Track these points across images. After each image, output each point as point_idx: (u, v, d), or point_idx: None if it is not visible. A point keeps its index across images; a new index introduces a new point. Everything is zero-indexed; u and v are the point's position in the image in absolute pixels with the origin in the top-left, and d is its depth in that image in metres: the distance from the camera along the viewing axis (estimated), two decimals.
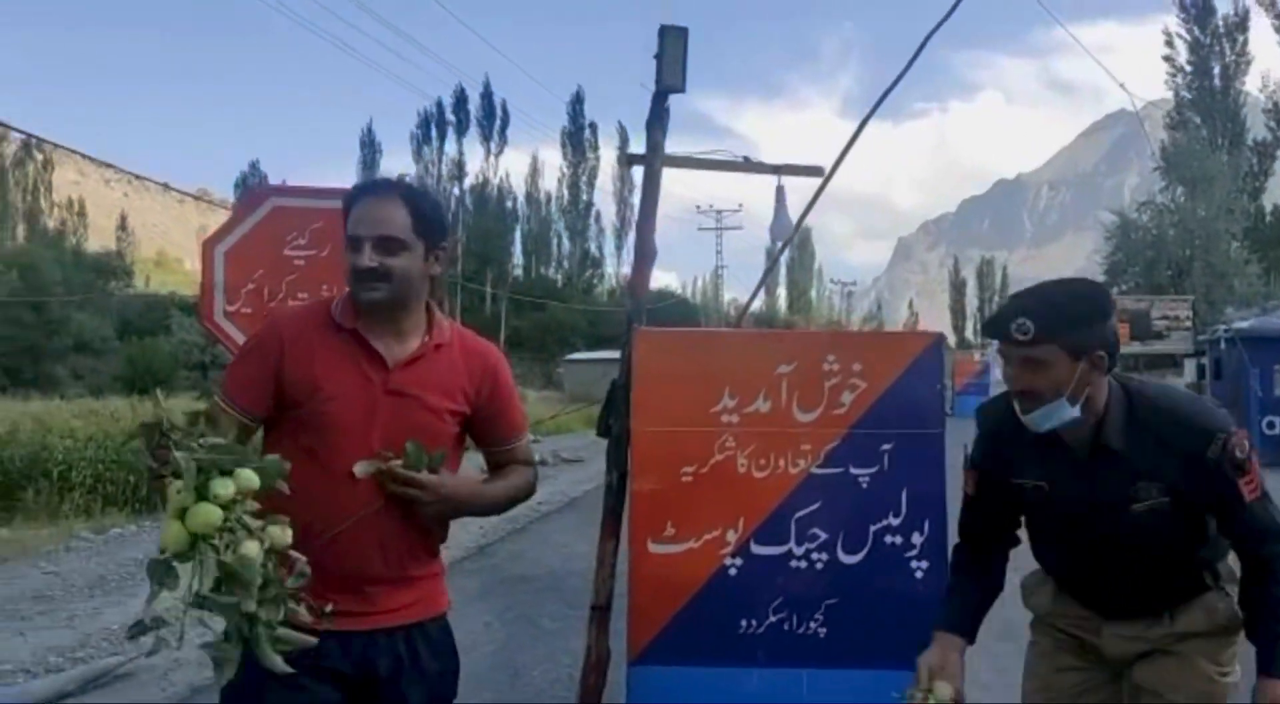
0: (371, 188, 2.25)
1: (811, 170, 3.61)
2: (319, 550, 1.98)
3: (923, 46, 3.86)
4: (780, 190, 3.59)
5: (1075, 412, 2.21)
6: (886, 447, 3.21)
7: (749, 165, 3.55)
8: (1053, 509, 2.39)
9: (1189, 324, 35.68)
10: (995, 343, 2.41)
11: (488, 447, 2.44)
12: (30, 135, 57.93)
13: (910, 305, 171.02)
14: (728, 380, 3.25)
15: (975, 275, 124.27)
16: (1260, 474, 2.27)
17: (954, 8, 4.11)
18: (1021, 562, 2.66)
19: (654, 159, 3.43)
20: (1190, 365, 36.20)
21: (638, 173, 3.55)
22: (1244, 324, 22.32)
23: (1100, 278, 46.04)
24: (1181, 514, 2.27)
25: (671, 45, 3.34)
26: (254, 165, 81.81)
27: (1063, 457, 2.34)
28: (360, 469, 2.08)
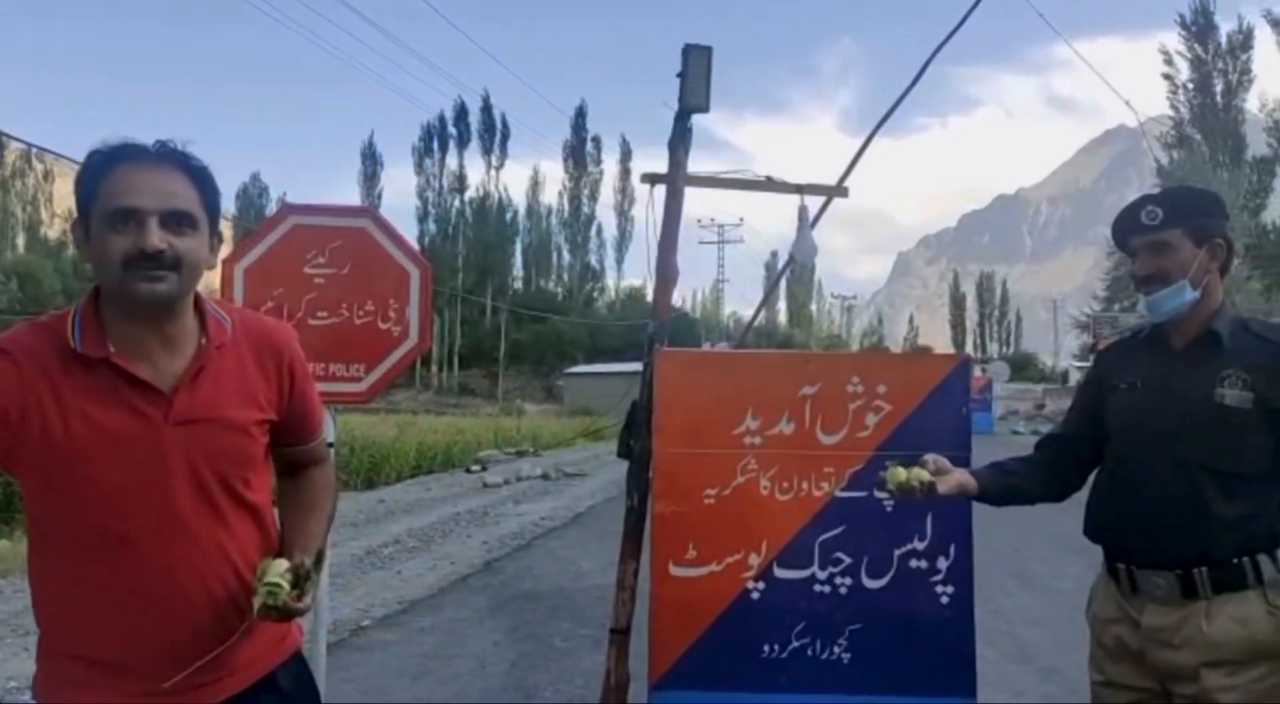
0: (137, 151, 1.67)
1: (835, 190, 3.58)
2: (145, 629, 1.71)
3: (927, 64, 3.84)
4: (803, 210, 3.55)
5: (1196, 294, 2.37)
6: None
7: (771, 185, 3.52)
8: (1138, 403, 2.47)
9: None
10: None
11: (286, 448, 1.98)
12: (30, 145, 57.98)
13: (910, 320, 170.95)
14: (750, 401, 3.22)
15: (975, 290, 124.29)
16: None
17: (958, 26, 4.10)
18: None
19: (676, 178, 3.41)
20: None
21: (639, 186, 3.53)
22: None
23: (1102, 294, 46.21)
24: (1258, 420, 2.29)
25: (695, 64, 3.32)
26: (255, 177, 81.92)
27: (1161, 356, 2.47)
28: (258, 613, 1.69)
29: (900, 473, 2.48)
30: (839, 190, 3.62)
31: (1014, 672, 5.74)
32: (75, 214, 1.70)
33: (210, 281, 1.99)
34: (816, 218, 3.77)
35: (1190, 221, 2.38)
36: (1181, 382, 2.40)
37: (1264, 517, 2.32)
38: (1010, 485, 2.66)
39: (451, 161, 71.49)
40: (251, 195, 79.54)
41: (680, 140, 3.41)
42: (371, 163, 72.85)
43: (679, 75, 3.37)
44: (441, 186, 71.44)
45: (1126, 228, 2.47)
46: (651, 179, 3.49)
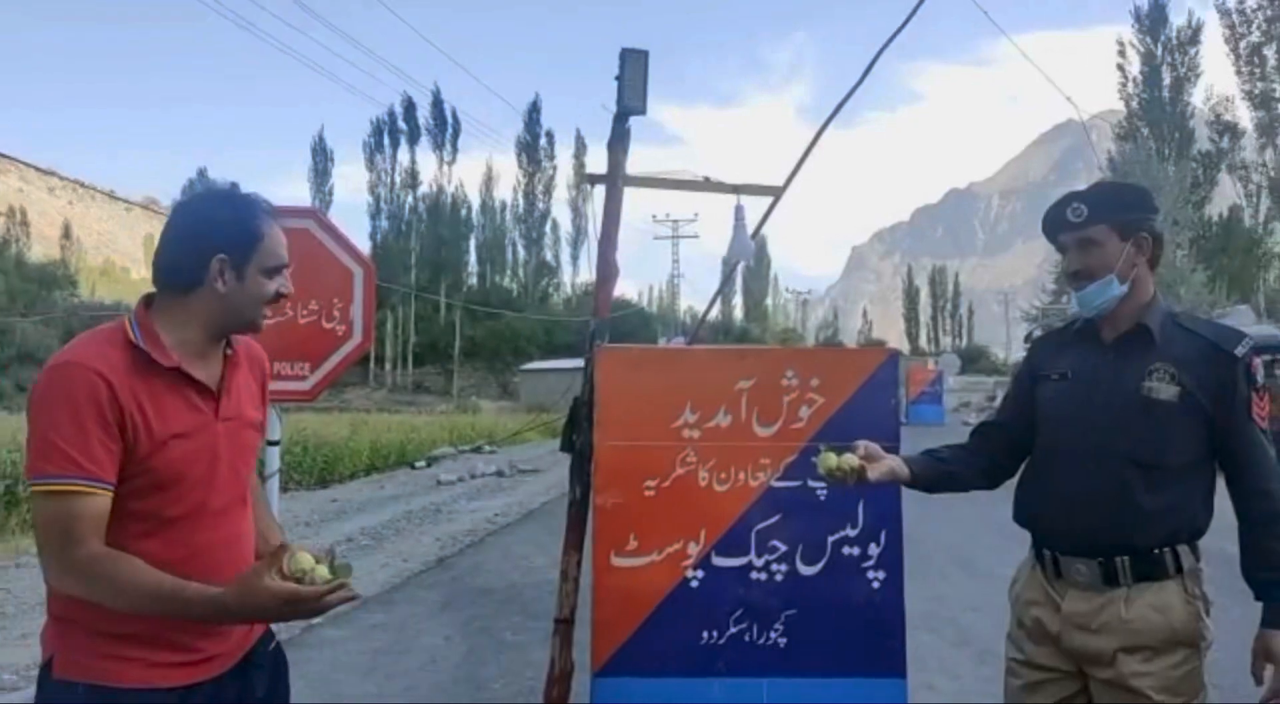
0: (271, 211, 2.06)
1: (770, 190, 3.68)
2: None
3: (875, 59, 3.92)
4: (739, 210, 3.64)
5: (1123, 289, 2.45)
6: None
7: (708, 185, 3.61)
8: (1067, 395, 2.55)
9: None
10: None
11: None
12: None
13: (864, 314, 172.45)
14: (689, 395, 3.32)
15: (928, 283, 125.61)
16: (1271, 413, 2.44)
17: (906, 21, 4.20)
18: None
19: (615, 179, 3.49)
20: None
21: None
22: None
23: (1052, 287, 46.95)
24: (1184, 413, 2.37)
25: (632, 68, 3.41)
26: (202, 172, 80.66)
27: (1092, 349, 2.55)
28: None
29: (831, 458, 2.55)
30: (773, 190, 3.72)
31: (953, 656, 5.90)
32: (222, 252, 1.95)
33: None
34: (763, 220, 3.86)
35: (1115, 217, 2.46)
36: (1110, 374, 2.48)
37: (1187, 508, 2.41)
38: (942, 472, 2.73)
39: (403, 157, 70.95)
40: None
41: (619, 142, 3.50)
42: (322, 158, 72.02)
43: (617, 78, 3.45)
44: (393, 182, 70.88)
45: (1055, 225, 2.55)
46: (592, 179, 3.57)
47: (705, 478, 3.30)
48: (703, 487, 3.30)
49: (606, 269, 3.47)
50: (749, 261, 3.68)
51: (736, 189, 3.64)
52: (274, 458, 3.76)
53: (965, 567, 8.63)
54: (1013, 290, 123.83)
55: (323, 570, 1.79)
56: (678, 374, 3.37)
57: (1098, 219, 2.46)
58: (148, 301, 2.00)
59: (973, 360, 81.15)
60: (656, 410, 3.33)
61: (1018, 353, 79.07)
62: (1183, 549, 2.41)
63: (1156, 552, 2.39)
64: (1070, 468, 2.49)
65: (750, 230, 3.78)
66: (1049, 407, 2.60)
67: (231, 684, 2.02)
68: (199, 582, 1.82)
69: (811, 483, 3.28)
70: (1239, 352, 2.38)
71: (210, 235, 1.95)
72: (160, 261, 1.99)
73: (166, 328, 1.95)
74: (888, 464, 2.61)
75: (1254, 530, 2.38)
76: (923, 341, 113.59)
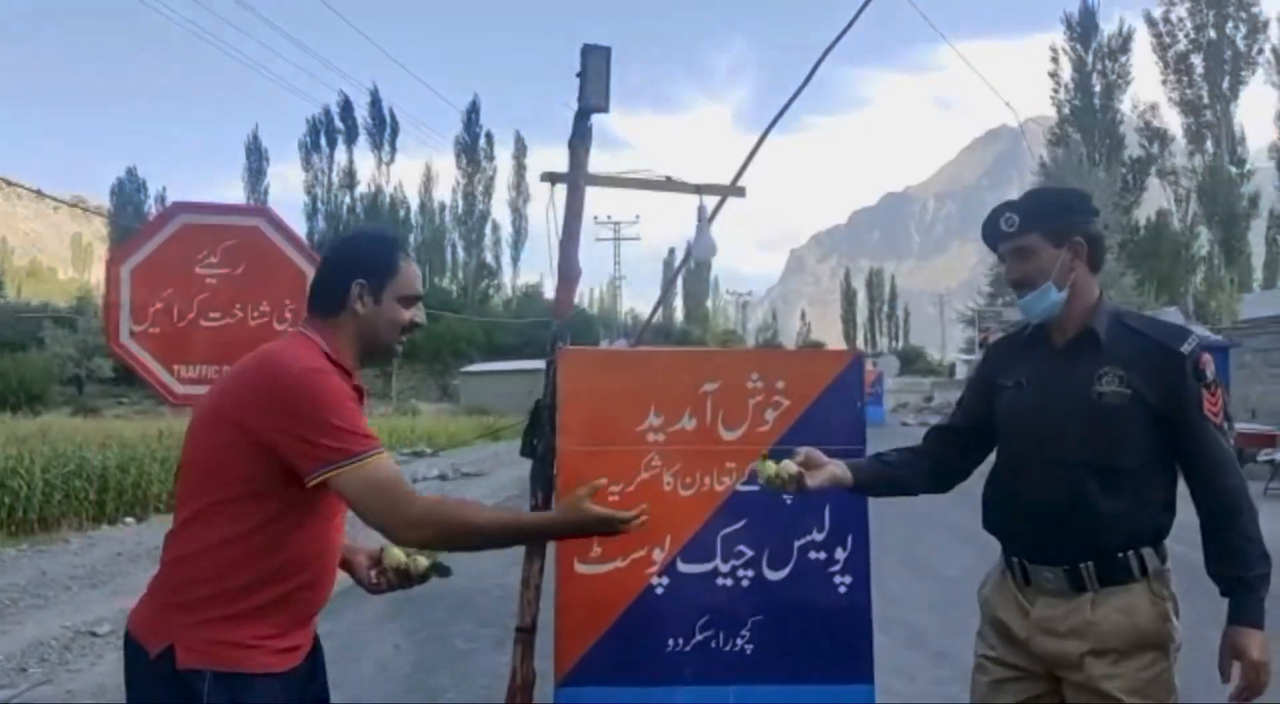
0: (408, 248, 2.40)
1: (733, 190, 3.64)
2: (311, 590, 2.16)
3: (818, 65, 3.91)
4: (703, 209, 3.60)
5: (1062, 296, 2.47)
6: None
7: (671, 185, 3.56)
8: (1023, 403, 2.56)
9: None
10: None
11: None
12: None
13: (803, 315, 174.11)
14: (653, 399, 3.26)
15: (865, 286, 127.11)
16: (1225, 409, 2.41)
17: (848, 26, 4.19)
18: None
19: (577, 177, 3.42)
20: None
21: (535, 183, 3.54)
22: None
23: (987, 289, 47.83)
24: (1137, 414, 2.37)
25: (594, 65, 3.34)
26: (131, 171, 78.96)
27: (1045, 355, 2.56)
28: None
29: (770, 467, 2.55)
30: (736, 190, 3.68)
31: (907, 656, 5.92)
32: (361, 278, 2.23)
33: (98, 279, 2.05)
34: (712, 217, 3.82)
35: (1047, 225, 2.46)
36: (1062, 380, 2.47)
37: (1146, 510, 2.41)
38: (888, 477, 2.75)
39: (340, 157, 70.03)
40: (128, 191, 76.63)
41: (580, 139, 3.42)
42: (257, 158, 70.89)
43: (578, 75, 3.38)
44: (330, 182, 69.97)
45: (991, 235, 2.56)
46: (552, 178, 3.50)
47: (670, 482, 3.25)
48: (667, 491, 3.24)
49: (569, 269, 3.40)
50: (711, 259, 3.64)
51: (699, 189, 3.60)
52: None
53: (914, 568, 8.69)
54: (948, 292, 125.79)
55: (420, 560, 2.44)
56: (642, 377, 3.31)
57: (1029, 228, 2.47)
58: (303, 324, 2.26)
59: (909, 362, 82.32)
60: (620, 414, 3.26)
61: (953, 354, 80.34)
62: (1146, 552, 2.41)
63: (1120, 555, 2.40)
64: (1030, 476, 2.50)
65: (697, 234, 3.75)
66: (1006, 416, 2.61)
67: (305, 670, 2.22)
68: (318, 577, 2.15)
69: (741, 487, 3.24)
70: (1185, 349, 2.37)
71: (354, 263, 2.24)
72: (313, 287, 2.28)
73: (344, 346, 2.24)
74: (829, 470, 2.63)
75: (1217, 527, 2.38)
76: (860, 343, 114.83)
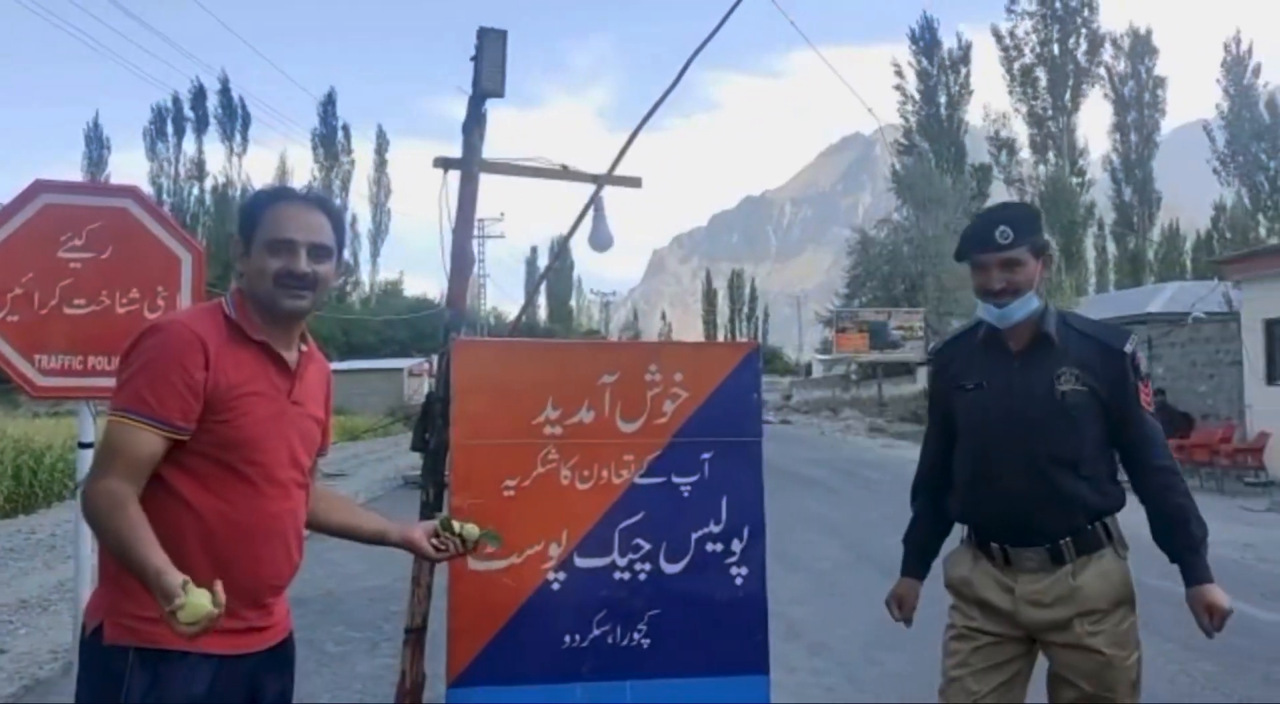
0: (290, 194, 2.23)
1: (631, 181, 3.60)
2: (240, 563, 2.06)
3: (687, 65, 3.91)
4: (599, 200, 3.55)
5: (1039, 303, 2.72)
6: (707, 455, 3.24)
7: (568, 174, 3.50)
8: (986, 404, 2.79)
9: (922, 334, 38.57)
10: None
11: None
12: None
13: (664, 316, 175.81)
14: (551, 391, 3.19)
15: (726, 288, 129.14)
16: (1151, 398, 2.74)
17: (718, 27, 4.22)
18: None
19: (471, 163, 3.33)
20: (922, 372, 39.15)
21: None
22: None
23: (843, 290, 49.19)
24: (1093, 408, 2.67)
25: (490, 48, 3.26)
26: None
27: (1001, 358, 2.79)
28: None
29: (454, 525, 2.66)
30: (632, 181, 3.65)
31: (786, 649, 6.00)
32: (239, 233, 2.19)
33: None
34: (584, 209, 3.76)
35: (1032, 238, 2.71)
36: (1023, 381, 2.72)
37: (1105, 487, 2.72)
38: (935, 545, 3.09)
39: (189, 147, 67.08)
40: None
41: (475, 125, 3.34)
42: (97, 146, 67.07)
43: (473, 59, 3.29)
44: (177, 173, 66.93)
45: (981, 244, 2.73)
46: (445, 163, 3.39)
47: (567, 476, 3.18)
48: (564, 485, 3.18)
49: (462, 258, 3.30)
50: (607, 250, 3.60)
51: (595, 178, 3.55)
52: (86, 461, 3.37)
53: (784, 561, 8.83)
54: (804, 294, 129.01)
55: (472, 528, 2.58)
56: (539, 369, 3.24)
57: (1021, 241, 2.68)
58: (240, 288, 2.20)
59: (768, 361, 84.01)
60: (516, 406, 3.18)
61: (809, 353, 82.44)
62: (1109, 521, 2.74)
63: (1090, 528, 2.71)
64: (1001, 471, 2.74)
65: (569, 231, 3.70)
66: (968, 415, 2.85)
67: (266, 664, 2.17)
68: (249, 552, 2.05)
69: (675, 479, 3.22)
70: (1128, 349, 2.69)
71: (238, 223, 2.21)
72: None
73: (253, 312, 2.16)
74: (916, 593, 3.08)
75: (1159, 499, 2.70)
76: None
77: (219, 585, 1.81)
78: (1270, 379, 17.17)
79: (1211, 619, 2.64)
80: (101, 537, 1.94)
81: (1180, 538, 2.69)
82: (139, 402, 1.96)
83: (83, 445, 3.37)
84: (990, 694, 2.79)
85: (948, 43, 59.69)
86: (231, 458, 2.05)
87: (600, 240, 3.56)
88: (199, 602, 1.78)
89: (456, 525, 2.57)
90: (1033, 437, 2.69)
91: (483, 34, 3.27)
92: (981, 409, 2.80)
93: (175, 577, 1.80)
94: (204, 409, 2.02)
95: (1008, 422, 2.73)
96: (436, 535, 2.58)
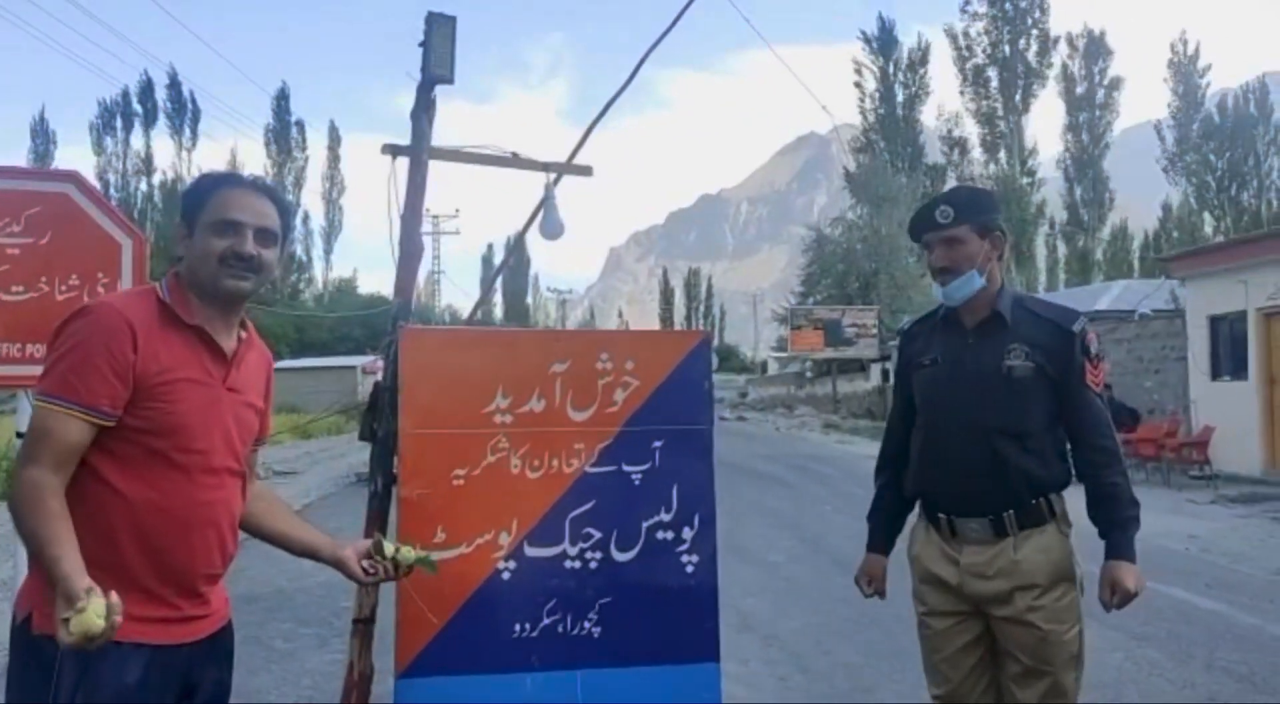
0: (239, 179, 2.22)
1: (582, 170, 3.59)
2: (173, 552, 2.03)
3: (641, 63, 3.92)
4: (550, 188, 3.54)
5: (982, 282, 2.79)
6: (658, 443, 3.24)
7: (518, 161, 3.48)
8: (939, 379, 2.89)
9: (875, 332, 38.89)
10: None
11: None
12: None
13: (620, 314, 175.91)
14: (501, 379, 3.17)
15: (683, 285, 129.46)
16: (1104, 376, 2.82)
17: (671, 25, 4.23)
18: None
19: (420, 150, 3.29)
20: (876, 369, 39.51)
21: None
22: None
23: (798, 288, 49.50)
24: (1040, 384, 2.75)
25: (439, 34, 3.22)
26: None
27: (956, 336, 2.88)
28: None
29: (389, 548, 2.59)
30: (583, 170, 3.63)
31: (738, 640, 6.01)
32: (182, 217, 2.18)
33: None
34: (540, 204, 3.75)
35: (976, 218, 2.79)
36: (973, 357, 2.81)
37: (1051, 463, 2.79)
38: (898, 518, 3.16)
39: (137, 141, 65.90)
40: None
41: (423, 111, 3.30)
42: (43, 141, 65.66)
43: (421, 44, 3.26)
44: (125, 168, 65.73)
45: (923, 224, 2.84)
46: (393, 150, 3.35)
47: (518, 465, 3.16)
48: (515, 474, 3.16)
49: (411, 245, 3.27)
50: (558, 239, 3.58)
51: (546, 166, 3.53)
52: None
53: (738, 553, 8.86)
54: (760, 292, 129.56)
55: (408, 552, 2.50)
56: (488, 357, 3.22)
57: (962, 219, 2.78)
58: (177, 272, 2.17)
59: (724, 359, 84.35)
60: (466, 395, 3.16)
61: (765, 351, 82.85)
62: (1054, 497, 2.81)
63: (1034, 502, 2.78)
64: (952, 442, 2.82)
65: (524, 227, 3.69)
66: (924, 390, 2.95)
67: (203, 654, 2.13)
68: (176, 539, 2.02)
69: (626, 467, 3.22)
70: (1076, 328, 2.77)
71: (182, 208, 2.19)
72: None
73: (191, 296, 2.13)
74: (882, 567, 3.14)
75: (1097, 476, 2.77)
76: None
77: (118, 603, 1.76)
78: (1214, 374, 17.52)
79: (1113, 595, 2.68)
80: (19, 529, 1.91)
81: (1109, 513, 2.76)
82: (65, 387, 1.94)
83: (20, 436, 3.30)
84: (965, 682, 2.88)
85: (907, 43, 60.30)
86: (163, 445, 2.02)
87: (550, 229, 3.54)
88: (90, 619, 1.73)
89: (390, 549, 2.50)
90: (979, 409, 2.78)
91: (431, 19, 3.23)
92: (934, 384, 2.90)
93: (80, 583, 1.77)
94: (132, 394, 1.99)
95: (956, 395, 2.82)
96: (370, 557, 2.51)
